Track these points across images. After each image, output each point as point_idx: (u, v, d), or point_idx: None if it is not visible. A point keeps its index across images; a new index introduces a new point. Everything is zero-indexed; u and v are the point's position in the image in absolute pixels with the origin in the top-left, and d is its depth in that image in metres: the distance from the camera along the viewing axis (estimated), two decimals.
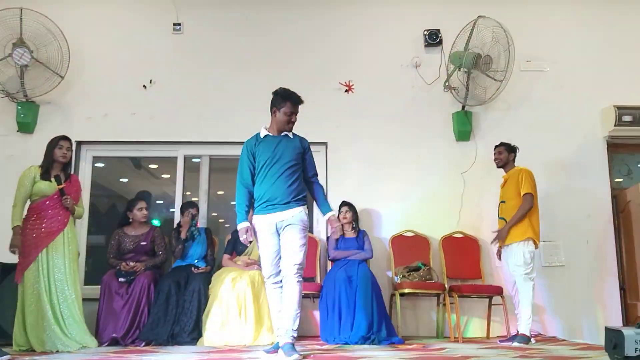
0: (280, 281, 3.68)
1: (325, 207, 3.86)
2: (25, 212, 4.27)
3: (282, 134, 3.82)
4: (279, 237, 3.68)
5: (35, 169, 4.33)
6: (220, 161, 6.02)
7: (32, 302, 4.09)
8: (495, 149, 5.05)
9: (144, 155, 6.09)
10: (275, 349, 3.67)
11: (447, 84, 5.71)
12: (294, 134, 3.89)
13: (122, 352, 3.95)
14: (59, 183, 4.29)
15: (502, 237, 4.72)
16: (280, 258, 3.67)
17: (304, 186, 3.83)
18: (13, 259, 4.34)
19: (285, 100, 3.77)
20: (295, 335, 3.54)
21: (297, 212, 3.65)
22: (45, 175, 4.30)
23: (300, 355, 3.40)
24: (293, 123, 3.83)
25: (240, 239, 3.70)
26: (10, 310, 4.20)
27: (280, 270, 3.67)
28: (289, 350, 3.43)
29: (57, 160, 4.37)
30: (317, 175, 3.94)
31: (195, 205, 5.29)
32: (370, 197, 5.60)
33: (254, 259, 4.97)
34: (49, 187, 4.27)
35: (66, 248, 4.27)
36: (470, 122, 5.73)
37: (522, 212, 4.67)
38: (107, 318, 4.59)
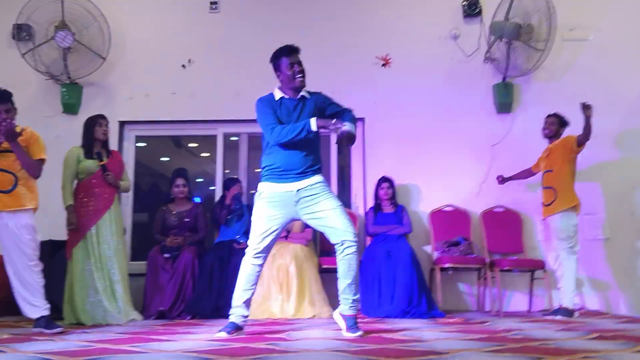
0: (261, 262, 3.33)
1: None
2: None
3: (299, 95, 3.40)
4: (288, 213, 3.31)
5: (77, 149, 4.46)
6: (259, 139, 6.05)
7: (81, 278, 4.24)
8: (547, 118, 4.89)
9: (184, 134, 6.19)
10: (233, 328, 3.27)
11: (487, 55, 5.60)
12: (310, 93, 3.47)
13: (169, 324, 4.09)
14: (100, 160, 4.42)
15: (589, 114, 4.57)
16: (271, 236, 3.29)
17: (320, 155, 3.44)
18: (62, 236, 4.51)
19: (280, 57, 3.38)
20: (359, 307, 3.31)
21: (315, 180, 3.29)
22: (88, 154, 4.43)
23: (363, 332, 3.16)
24: (301, 73, 3.37)
25: (332, 127, 3.21)
26: (62, 286, 4.34)
27: (264, 248, 3.30)
28: (353, 325, 3.17)
29: (98, 138, 4.48)
30: (347, 108, 3.47)
31: (238, 181, 5.38)
32: (408, 172, 5.57)
33: (296, 232, 5.05)
34: (94, 165, 4.40)
35: (113, 225, 4.40)
36: (512, 93, 5.63)
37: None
38: (154, 292, 4.73)
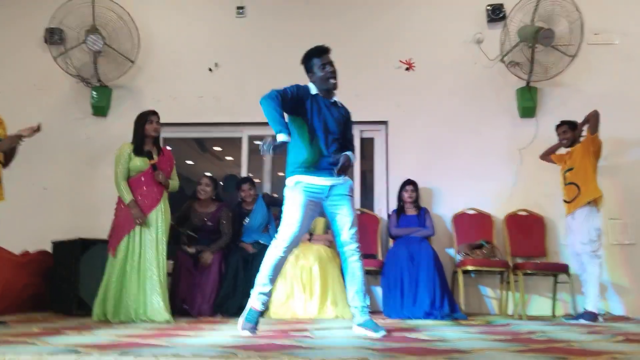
0: (287, 256, 3.33)
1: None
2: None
3: (332, 99, 3.46)
4: (317, 208, 3.35)
5: (128, 145, 4.35)
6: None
7: (120, 275, 4.14)
8: (557, 129, 4.97)
9: (210, 136, 6.28)
10: (251, 323, 3.27)
11: (504, 58, 5.57)
12: (341, 105, 3.54)
13: (194, 322, 4.15)
14: (150, 158, 4.33)
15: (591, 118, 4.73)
16: (303, 224, 3.27)
17: None
18: (93, 234, 4.60)
19: (311, 58, 3.40)
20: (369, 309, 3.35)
21: (345, 181, 3.38)
22: (138, 151, 4.33)
23: (386, 331, 3.18)
24: (335, 74, 3.39)
25: (269, 146, 3.07)
26: (90, 283, 4.38)
27: (294, 239, 3.28)
28: (374, 326, 3.20)
29: (149, 135, 4.38)
30: (352, 145, 3.55)
31: (249, 180, 5.43)
32: (431, 175, 5.59)
33: (319, 234, 5.09)
34: (143, 162, 4.31)
35: (159, 224, 4.28)
36: (535, 98, 5.62)
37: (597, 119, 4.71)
38: (181, 292, 4.79)
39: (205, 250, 4.94)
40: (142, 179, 4.30)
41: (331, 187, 3.33)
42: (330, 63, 3.39)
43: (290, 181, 3.35)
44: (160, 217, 4.30)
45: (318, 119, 3.34)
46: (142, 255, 4.20)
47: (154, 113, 4.44)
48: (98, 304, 4.17)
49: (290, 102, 3.27)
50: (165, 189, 4.39)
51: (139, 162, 4.30)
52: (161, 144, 5.88)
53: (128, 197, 4.22)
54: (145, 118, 4.39)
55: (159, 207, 4.31)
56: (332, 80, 3.39)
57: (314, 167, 3.32)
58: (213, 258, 4.89)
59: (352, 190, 3.42)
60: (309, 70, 3.44)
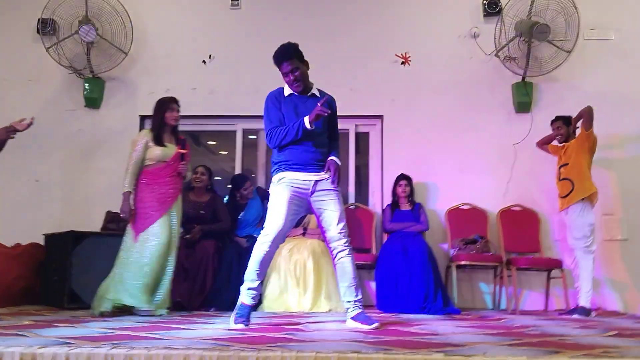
0: (273, 250, 3.32)
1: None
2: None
3: (309, 93, 3.45)
4: (303, 204, 3.36)
5: (146, 133, 4.18)
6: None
7: (134, 262, 3.97)
8: (552, 124, 4.97)
9: (204, 129, 6.24)
10: (243, 317, 3.30)
11: (500, 53, 5.56)
12: (321, 92, 3.49)
13: (187, 315, 4.13)
14: (183, 147, 4.17)
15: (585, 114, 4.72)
16: (288, 219, 3.29)
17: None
18: (85, 227, 4.56)
19: (276, 62, 3.36)
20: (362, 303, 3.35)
21: (328, 177, 3.36)
22: (158, 140, 4.13)
23: (379, 323, 3.21)
24: (298, 81, 3.35)
25: (317, 114, 3.23)
26: (82, 276, 4.37)
27: (278, 235, 3.27)
28: (366, 319, 3.22)
29: (169, 124, 4.18)
30: (338, 141, 3.55)
31: (248, 179, 5.39)
32: (426, 170, 5.58)
33: (313, 228, 5.08)
34: (163, 152, 4.13)
35: (175, 215, 4.16)
36: (531, 93, 5.61)
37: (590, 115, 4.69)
38: (174, 284, 4.74)
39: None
40: (165, 169, 4.12)
41: (316, 182, 3.33)
42: (291, 71, 3.33)
43: (275, 177, 3.39)
44: (178, 209, 4.18)
45: (296, 118, 3.34)
46: (162, 247, 4.04)
47: (175, 101, 4.23)
48: (110, 288, 3.94)
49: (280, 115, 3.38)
50: (183, 180, 4.27)
51: (159, 152, 4.12)
52: None
53: (129, 187, 4.05)
54: (166, 105, 4.19)
55: (179, 198, 4.18)
56: (294, 86, 3.38)
57: (298, 163, 3.33)
58: (208, 251, 4.85)
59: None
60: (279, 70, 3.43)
